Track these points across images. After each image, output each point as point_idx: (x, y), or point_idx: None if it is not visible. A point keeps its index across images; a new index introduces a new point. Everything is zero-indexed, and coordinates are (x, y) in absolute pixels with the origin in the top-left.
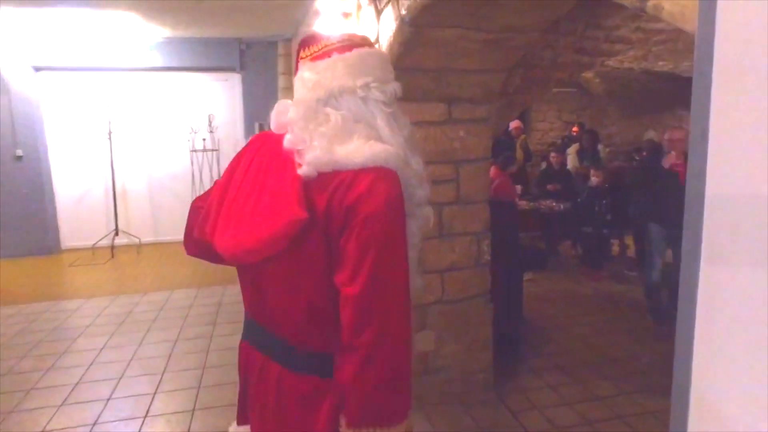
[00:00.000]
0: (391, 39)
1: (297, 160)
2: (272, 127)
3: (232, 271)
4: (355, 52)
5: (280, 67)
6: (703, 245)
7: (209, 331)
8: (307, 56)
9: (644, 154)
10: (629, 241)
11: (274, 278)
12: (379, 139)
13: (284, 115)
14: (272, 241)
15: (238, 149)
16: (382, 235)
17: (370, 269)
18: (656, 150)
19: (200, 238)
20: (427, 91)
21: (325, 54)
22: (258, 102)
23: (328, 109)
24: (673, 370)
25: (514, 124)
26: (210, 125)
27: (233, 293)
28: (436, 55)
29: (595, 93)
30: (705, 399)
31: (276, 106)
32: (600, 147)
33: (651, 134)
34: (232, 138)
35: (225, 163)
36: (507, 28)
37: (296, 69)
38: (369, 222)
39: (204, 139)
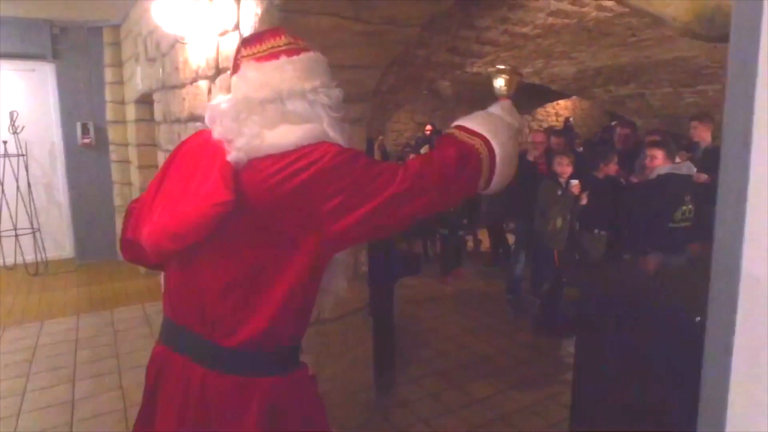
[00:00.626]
0: (256, 25)
1: (227, 149)
2: (206, 121)
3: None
4: (304, 55)
5: (108, 57)
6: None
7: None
8: (250, 55)
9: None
10: (482, 235)
11: (203, 268)
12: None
13: (210, 116)
14: (197, 225)
15: (54, 153)
16: (352, 180)
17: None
18: None
19: (132, 237)
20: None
21: (272, 56)
22: (79, 98)
23: (268, 106)
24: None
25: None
26: (12, 125)
27: (49, 331)
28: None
29: (444, 96)
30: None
31: (210, 102)
32: None
33: None
34: (46, 141)
35: (35, 170)
36: (388, 20)
37: (235, 67)
38: (332, 177)
39: (5, 142)
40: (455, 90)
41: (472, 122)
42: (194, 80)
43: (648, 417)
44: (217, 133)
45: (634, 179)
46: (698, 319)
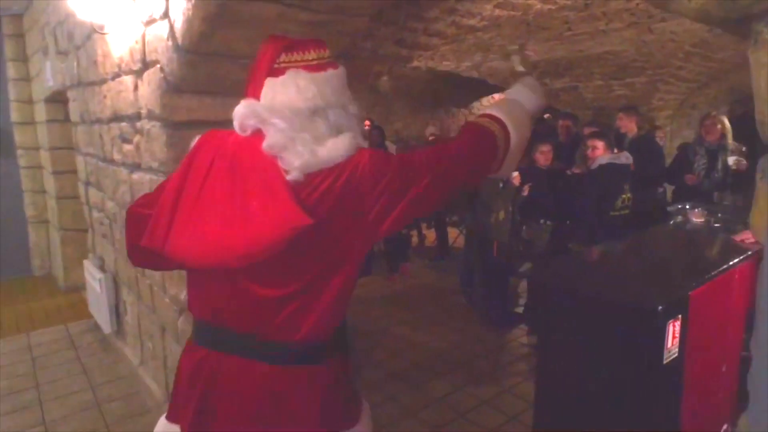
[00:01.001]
0: (190, 13)
1: (282, 165)
2: (236, 126)
3: None
4: (341, 69)
5: (10, 50)
6: None
7: None
8: (296, 62)
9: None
10: (426, 230)
11: (260, 279)
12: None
13: (251, 117)
14: (272, 246)
15: None
16: (397, 175)
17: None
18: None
19: (149, 245)
20: (238, 83)
21: (321, 67)
22: None
23: (317, 118)
24: None
25: None
26: None
27: None
28: (250, 37)
29: (383, 91)
30: None
31: (241, 106)
32: (387, 143)
33: (431, 129)
34: None
35: None
36: (336, 10)
37: (265, 70)
38: (381, 179)
39: None
40: (393, 85)
41: (494, 110)
42: (117, 75)
43: (609, 409)
44: (268, 146)
45: (576, 170)
46: (660, 308)
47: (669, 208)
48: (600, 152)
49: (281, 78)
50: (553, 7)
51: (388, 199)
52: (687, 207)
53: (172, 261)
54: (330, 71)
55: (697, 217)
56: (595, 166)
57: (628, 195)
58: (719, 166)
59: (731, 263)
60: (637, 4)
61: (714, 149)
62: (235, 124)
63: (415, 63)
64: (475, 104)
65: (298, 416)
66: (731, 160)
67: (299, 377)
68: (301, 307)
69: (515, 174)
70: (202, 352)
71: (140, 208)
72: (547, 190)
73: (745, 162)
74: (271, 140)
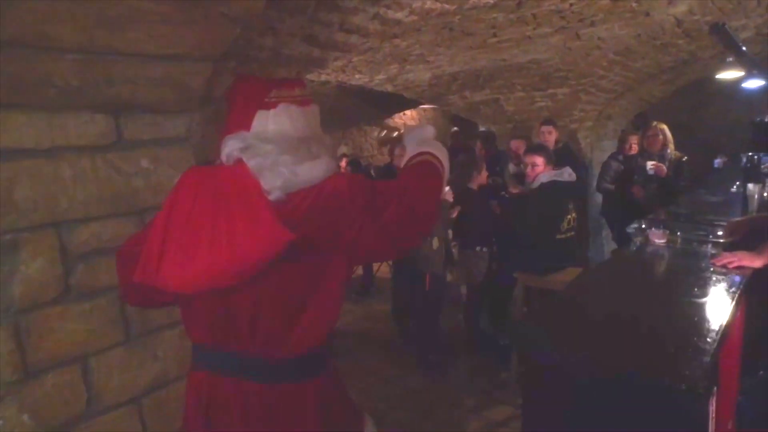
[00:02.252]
0: None
1: (264, 185)
2: (223, 159)
3: None
4: (316, 105)
5: None
6: None
7: None
8: (288, 98)
9: (349, 168)
10: None
11: (247, 295)
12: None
13: (238, 146)
14: (259, 263)
15: None
16: (373, 197)
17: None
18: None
19: (142, 280)
20: (70, 91)
21: (306, 102)
22: None
23: (301, 146)
24: None
25: None
26: None
27: None
28: (83, 19)
29: None
30: None
31: (228, 140)
32: None
33: (343, 149)
34: None
35: None
36: None
37: (256, 103)
38: (354, 200)
39: None
40: None
41: (429, 147)
42: None
43: None
44: (253, 168)
45: (514, 190)
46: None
47: (628, 229)
48: (540, 169)
49: (273, 111)
50: (491, 1)
51: (362, 221)
52: (644, 226)
53: (166, 291)
54: (312, 106)
55: (658, 238)
56: (536, 184)
57: (574, 215)
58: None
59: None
60: (571, 5)
61: (654, 160)
62: (223, 155)
63: (324, 77)
64: (387, 120)
65: None
66: (649, 164)
67: (291, 395)
68: (288, 318)
69: (446, 189)
70: (200, 376)
71: (130, 246)
72: (480, 212)
73: (664, 167)
74: (254, 161)
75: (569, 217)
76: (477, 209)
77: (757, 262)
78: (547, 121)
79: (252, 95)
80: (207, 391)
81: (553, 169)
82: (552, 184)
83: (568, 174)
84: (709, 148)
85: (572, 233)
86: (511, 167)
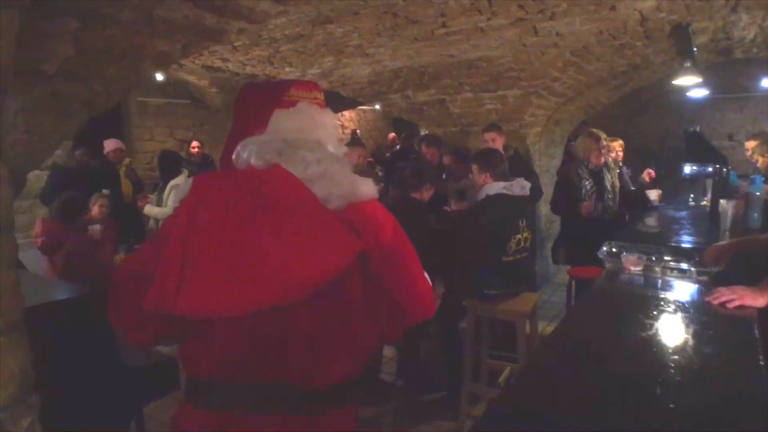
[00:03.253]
0: None
1: (318, 194)
2: (252, 160)
3: None
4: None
5: None
6: None
7: None
8: (310, 99)
9: None
10: None
11: (283, 319)
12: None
13: (270, 149)
14: (337, 272)
15: None
16: (411, 251)
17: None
18: None
19: (158, 307)
20: None
21: (323, 105)
22: None
23: (330, 148)
24: None
25: (111, 146)
26: None
27: None
28: None
29: (212, 106)
30: None
31: (249, 144)
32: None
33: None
34: None
35: None
36: None
37: (274, 102)
38: (396, 246)
39: None
40: (225, 98)
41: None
42: None
43: None
44: (306, 177)
45: (455, 206)
46: None
47: (599, 253)
48: (487, 179)
49: (292, 108)
50: None
51: (386, 260)
52: (614, 249)
53: (189, 317)
54: (327, 110)
55: (633, 265)
56: (481, 197)
57: (527, 235)
58: (608, 187)
59: None
60: None
61: (598, 170)
62: (252, 158)
63: (249, 69)
64: None
65: None
66: (653, 194)
67: (318, 426)
68: (327, 345)
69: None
70: (201, 417)
71: (132, 268)
72: (422, 228)
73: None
74: (308, 171)
75: (520, 236)
76: (420, 224)
77: (760, 301)
78: (491, 127)
79: (268, 95)
80: (214, 429)
81: (490, 178)
82: (499, 198)
83: (520, 187)
84: (644, 156)
85: (524, 254)
86: (450, 183)
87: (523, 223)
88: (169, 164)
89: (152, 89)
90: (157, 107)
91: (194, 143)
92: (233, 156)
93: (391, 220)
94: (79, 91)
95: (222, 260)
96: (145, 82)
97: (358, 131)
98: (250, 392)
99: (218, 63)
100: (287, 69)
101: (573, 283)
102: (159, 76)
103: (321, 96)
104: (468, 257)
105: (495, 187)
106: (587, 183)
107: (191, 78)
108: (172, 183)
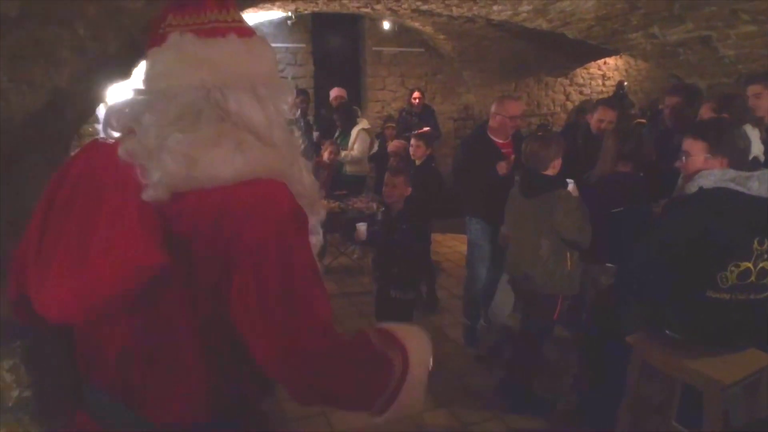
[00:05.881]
0: None
1: (141, 179)
2: (102, 129)
3: None
4: (257, 38)
5: None
6: None
7: None
8: (184, 26)
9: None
10: None
11: (123, 328)
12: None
13: (115, 114)
14: (115, 294)
15: None
16: (279, 271)
17: (275, 328)
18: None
19: (17, 297)
20: None
21: (219, 31)
22: None
23: (204, 106)
24: None
25: (333, 93)
26: None
27: None
28: None
29: (446, 55)
30: None
31: (114, 100)
32: (360, 128)
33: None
34: None
35: None
36: None
37: (157, 39)
38: (258, 258)
39: None
40: (455, 45)
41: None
42: None
43: None
44: (124, 152)
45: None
46: None
47: None
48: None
49: (164, 45)
50: None
51: (268, 275)
52: None
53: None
54: (233, 37)
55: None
56: (690, 189)
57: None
58: None
59: None
60: None
61: None
62: (103, 127)
63: (455, 11)
64: (580, 71)
65: None
66: None
67: None
68: (168, 368)
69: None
70: (83, 418)
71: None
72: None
73: None
74: (128, 143)
75: (749, 265)
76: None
77: None
78: (756, 78)
79: (153, 27)
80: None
81: (724, 163)
82: (723, 197)
83: (760, 180)
84: None
85: (755, 295)
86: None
87: (763, 244)
88: (348, 114)
89: (387, 38)
90: (391, 56)
91: (416, 93)
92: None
93: (273, 222)
94: (62, 36)
95: (57, 248)
96: (377, 31)
97: (626, 83)
98: (107, 405)
99: (421, 5)
100: (495, 8)
101: None
102: (386, 25)
103: (215, 15)
104: (642, 278)
105: (715, 178)
106: None
107: (417, 25)
108: (356, 129)
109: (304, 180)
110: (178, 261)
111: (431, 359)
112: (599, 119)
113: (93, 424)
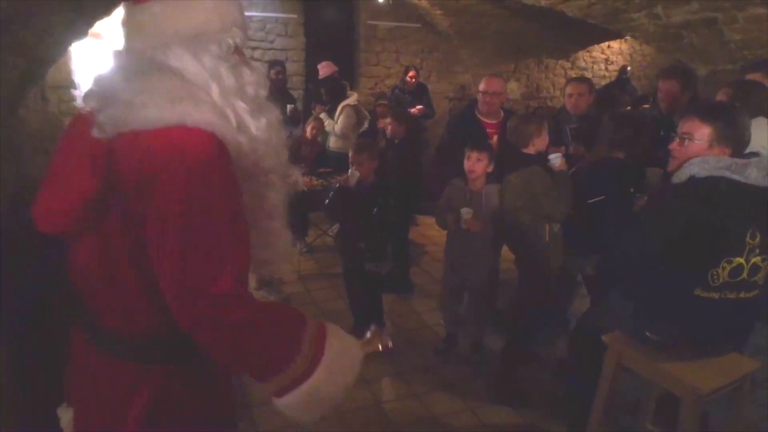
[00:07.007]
0: None
1: (94, 120)
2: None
3: None
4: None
5: None
6: None
7: None
8: None
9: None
10: None
11: (82, 254)
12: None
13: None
14: (66, 215)
15: None
16: (181, 219)
17: (173, 271)
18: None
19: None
20: None
21: None
22: None
23: (155, 62)
24: None
25: (322, 67)
26: None
27: None
28: None
29: (442, 31)
30: None
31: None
32: (350, 102)
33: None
34: None
35: None
36: None
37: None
38: (165, 202)
39: None
40: (453, 22)
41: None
42: None
43: None
44: (84, 97)
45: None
46: None
47: None
48: (702, 146)
49: (140, 5)
50: None
51: (178, 224)
52: None
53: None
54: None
55: None
56: (681, 178)
57: (759, 259)
58: None
59: None
60: None
61: None
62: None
63: None
64: (582, 54)
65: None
66: None
67: (120, 372)
68: (120, 284)
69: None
70: (76, 333)
71: None
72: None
73: None
74: (95, 86)
75: (741, 260)
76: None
77: None
78: (756, 66)
79: None
80: (72, 341)
81: (726, 153)
82: (717, 186)
83: (762, 170)
84: None
85: (746, 293)
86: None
87: (755, 237)
88: (335, 89)
89: (382, 12)
90: (387, 31)
91: (411, 72)
92: None
93: (183, 169)
94: None
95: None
96: (372, 4)
97: (629, 68)
98: (84, 316)
99: None
100: None
101: None
102: None
103: None
104: (622, 275)
105: (710, 165)
106: None
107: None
108: (342, 104)
109: (251, 128)
110: (114, 191)
111: (354, 373)
112: (569, 94)
113: (78, 333)
